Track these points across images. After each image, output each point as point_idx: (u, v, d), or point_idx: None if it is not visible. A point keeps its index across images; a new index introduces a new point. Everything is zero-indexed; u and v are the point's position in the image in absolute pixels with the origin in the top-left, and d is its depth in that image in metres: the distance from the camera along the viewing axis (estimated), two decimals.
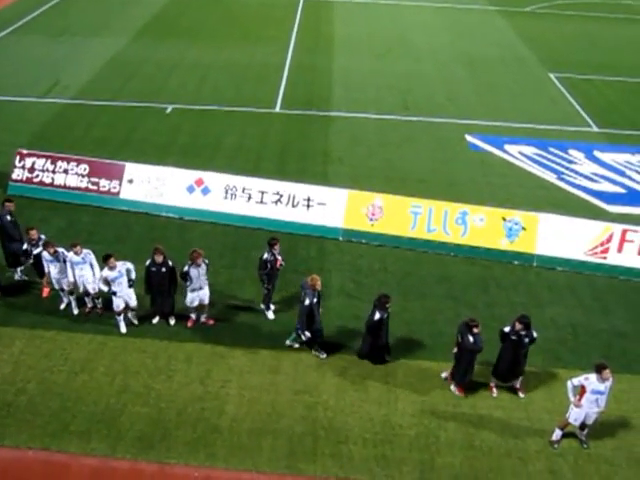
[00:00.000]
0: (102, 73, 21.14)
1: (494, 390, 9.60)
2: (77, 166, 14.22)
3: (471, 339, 9.19)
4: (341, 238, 13.21)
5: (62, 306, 10.98)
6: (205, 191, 13.82)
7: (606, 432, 8.97)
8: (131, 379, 9.59)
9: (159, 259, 10.28)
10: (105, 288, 10.37)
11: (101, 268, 10.51)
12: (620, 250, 12.45)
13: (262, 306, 11.06)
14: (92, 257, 10.64)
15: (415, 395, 9.50)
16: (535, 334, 9.30)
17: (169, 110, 18.69)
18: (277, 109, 19.14)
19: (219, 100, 19.44)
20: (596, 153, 17.17)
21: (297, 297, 11.26)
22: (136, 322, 10.71)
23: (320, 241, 13.13)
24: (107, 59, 22.32)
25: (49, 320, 10.67)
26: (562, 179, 15.83)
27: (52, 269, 10.67)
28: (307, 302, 9.77)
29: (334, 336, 10.58)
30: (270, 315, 10.98)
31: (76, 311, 10.88)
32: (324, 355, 10.16)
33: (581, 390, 8.47)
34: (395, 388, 9.61)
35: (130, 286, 10.41)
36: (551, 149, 17.24)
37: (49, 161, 14.33)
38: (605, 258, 12.49)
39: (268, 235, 13.30)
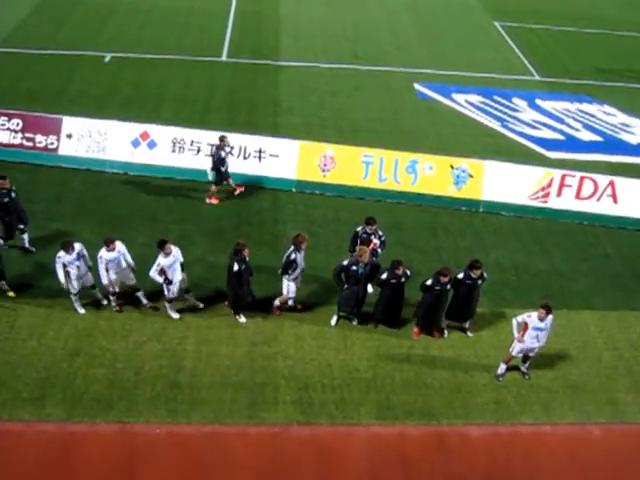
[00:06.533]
0: (28, 20, 19.58)
1: (445, 332, 10.08)
2: (8, 121, 13.41)
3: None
4: (294, 189, 13.19)
5: (82, 310, 9.73)
6: (151, 145, 13.35)
7: (546, 363, 9.67)
8: (84, 342, 9.33)
9: (246, 253, 9.47)
10: (161, 279, 9.43)
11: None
12: (559, 194, 13.08)
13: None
14: (124, 247, 9.57)
15: (371, 340, 9.82)
16: (485, 274, 9.79)
17: (107, 59, 17.67)
18: (224, 58, 18.47)
19: (161, 48, 18.51)
20: (538, 101, 17.68)
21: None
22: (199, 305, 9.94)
23: (273, 193, 13.06)
24: (33, 4, 20.59)
25: None
26: (506, 127, 16.26)
27: (72, 272, 9.28)
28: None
29: None
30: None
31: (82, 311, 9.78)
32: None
33: (524, 327, 9.02)
34: (352, 334, 9.90)
35: (182, 270, 9.54)
36: (496, 97, 17.59)
37: None
38: (546, 202, 13.11)
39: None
